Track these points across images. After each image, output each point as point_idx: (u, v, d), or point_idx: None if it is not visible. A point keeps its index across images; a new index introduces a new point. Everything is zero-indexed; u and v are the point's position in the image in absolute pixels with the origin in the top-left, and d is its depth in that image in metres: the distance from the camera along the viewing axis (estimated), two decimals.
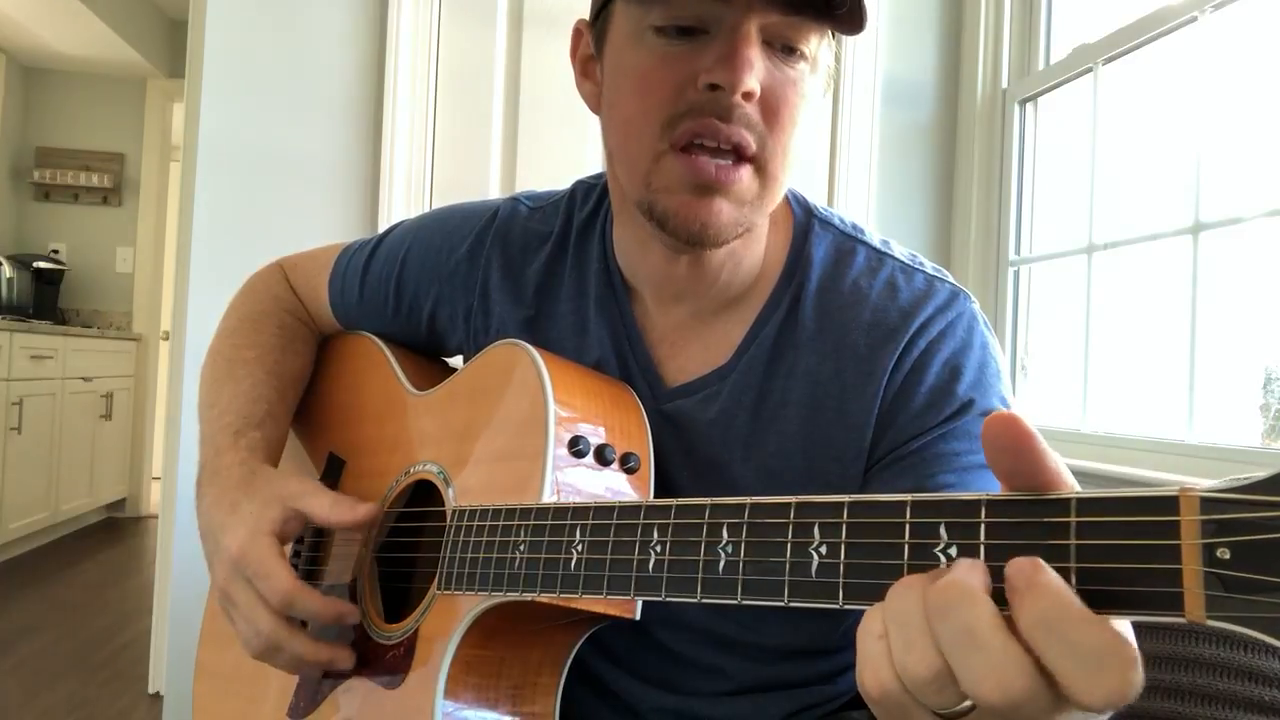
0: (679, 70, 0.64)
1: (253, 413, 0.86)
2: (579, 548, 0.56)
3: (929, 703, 0.38)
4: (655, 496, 0.71)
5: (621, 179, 0.72)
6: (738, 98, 0.63)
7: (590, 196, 0.86)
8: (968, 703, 0.38)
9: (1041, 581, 0.35)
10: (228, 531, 0.74)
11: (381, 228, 1.99)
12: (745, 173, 0.66)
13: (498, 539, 0.63)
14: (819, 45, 0.66)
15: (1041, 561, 0.36)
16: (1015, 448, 0.38)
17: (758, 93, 0.63)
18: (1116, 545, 0.35)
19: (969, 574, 0.37)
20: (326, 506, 0.75)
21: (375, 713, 0.72)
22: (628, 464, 0.69)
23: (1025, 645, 0.35)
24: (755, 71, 0.62)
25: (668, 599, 0.51)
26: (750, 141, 0.65)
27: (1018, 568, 0.36)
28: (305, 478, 0.79)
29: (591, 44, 0.74)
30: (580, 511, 0.57)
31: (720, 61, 0.62)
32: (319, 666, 0.74)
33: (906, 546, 0.41)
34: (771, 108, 0.65)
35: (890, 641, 0.39)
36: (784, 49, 0.65)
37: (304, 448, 0.97)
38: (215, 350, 0.93)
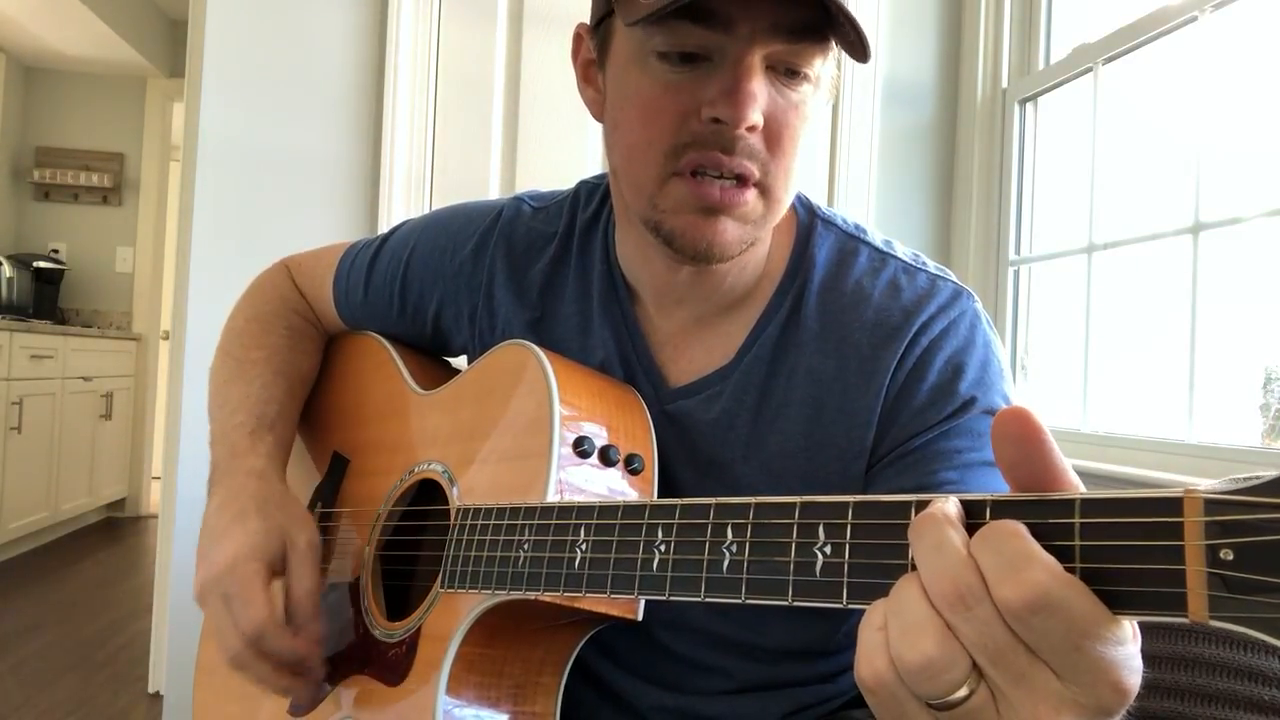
0: (682, 100, 0.64)
1: (265, 413, 0.86)
2: (583, 547, 0.57)
3: (921, 691, 0.39)
4: (659, 497, 0.71)
5: (626, 196, 0.72)
6: (741, 130, 0.63)
7: (593, 197, 0.86)
8: (961, 692, 0.38)
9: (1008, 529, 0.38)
10: (225, 539, 0.74)
11: (382, 228, 2.00)
12: (750, 194, 0.66)
13: (501, 538, 0.64)
14: (822, 65, 0.66)
15: (1019, 528, 0.38)
16: (1024, 441, 0.39)
17: (761, 125, 0.64)
18: (1120, 546, 0.36)
19: (947, 504, 0.40)
20: (302, 584, 0.74)
21: (377, 710, 0.72)
22: (632, 465, 0.70)
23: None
24: (758, 104, 0.63)
25: (672, 598, 0.51)
26: (754, 170, 0.65)
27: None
28: (314, 529, 0.79)
29: (593, 50, 0.74)
30: (585, 511, 0.58)
31: (723, 95, 0.62)
32: (280, 694, 0.74)
33: (911, 546, 0.41)
34: (774, 134, 0.65)
35: (889, 631, 0.39)
36: (787, 72, 0.65)
37: (309, 447, 0.97)
38: (224, 351, 0.94)
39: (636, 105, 0.67)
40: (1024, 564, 0.36)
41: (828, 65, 0.67)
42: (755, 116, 0.62)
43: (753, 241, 0.70)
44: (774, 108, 0.64)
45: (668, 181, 0.66)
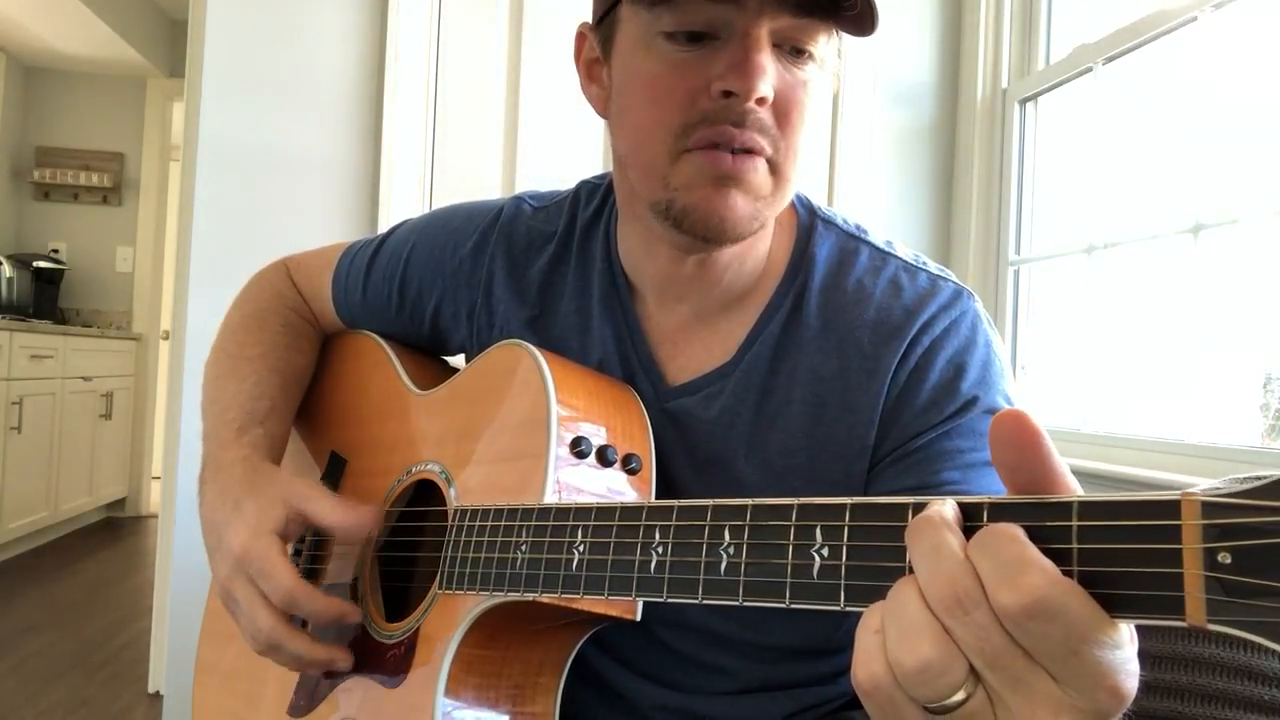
0: (691, 77, 0.64)
1: (256, 409, 0.86)
2: (580, 548, 0.57)
3: (917, 695, 0.39)
4: (658, 496, 0.71)
5: (635, 183, 0.72)
6: (751, 104, 0.63)
7: (594, 196, 0.86)
8: (958, 696, 0.38)
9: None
10: (230, 528, 0.74)
11: (382, 227, 2.00)
12: (760, 165, 0.66)
13: (499, 539, 0.63)
14: (827, 46, 0.66)
15: (1017, 532, 0.37)
16: (1021, 444, 0.39)
17: (771, 98, 0.64)
18: (1118, 549, 0.36)
19: (944, 507, 0.40)
20: (329, 510, 0.75)
21: (375, 711, 0.72)
22: (629, 465, 0.70)
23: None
24: (768, 77, 0.63)
25: (669, 600, 0.51)
26: (764, 145, 0.65)
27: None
28: (309, 479, 0.79)
29: (597, 47, 0.74)
30: (582, 512, 0.57)
31: (733, 68, 0.62)
32: (318, 666, 0.74)
33: (908, 549, 0.41)
34: (783, 110, 0.65)
35: (885, 634, 0.39)
36: (793, 51, 0.65)
37: (306, 446, 0.97)
38: (219, 348, 0.94)
39: (645, 87, 0.67)
40: (1021, 569, 0.36)
41: (831, 47, 0.67)
42: (765, 88, 0.63)
43: (762, 222, 0.69)
44: (782, 84, 0.65)
45: (679, 159, 0.66)
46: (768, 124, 0.65)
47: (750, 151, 0.65)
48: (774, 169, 0.67)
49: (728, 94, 0.63)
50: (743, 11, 0.62)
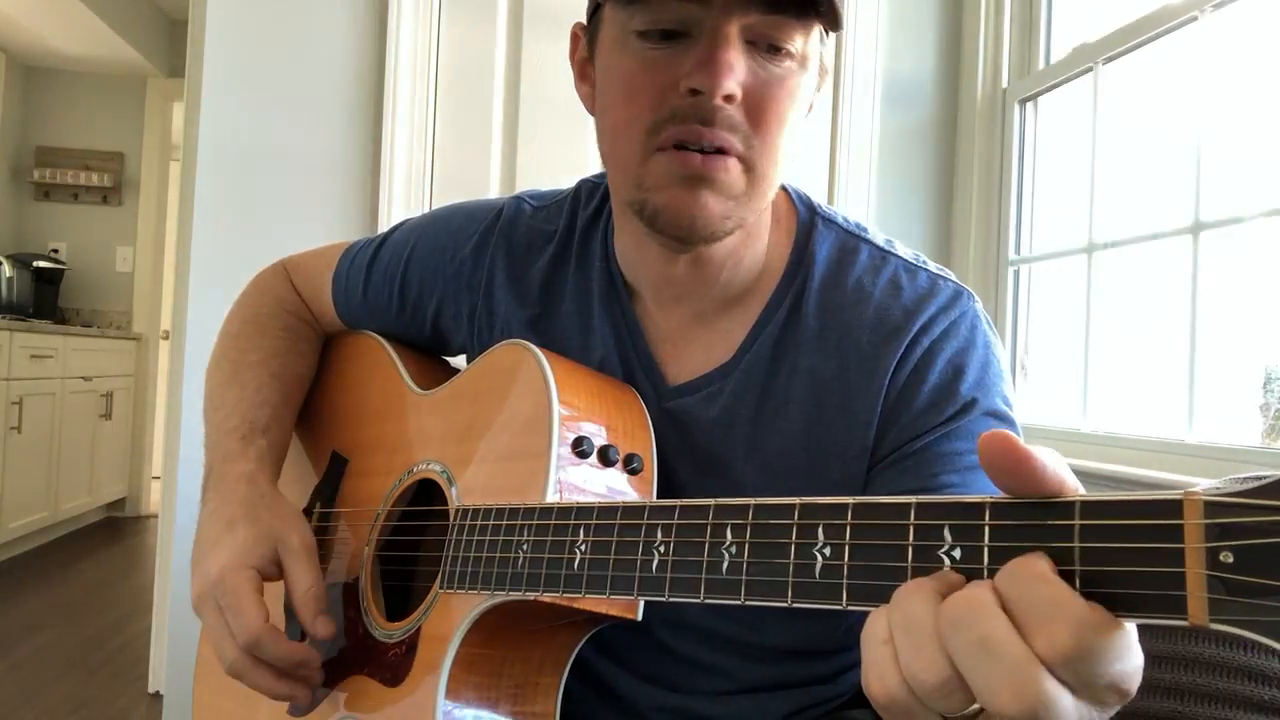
0: (661, 75, 0.64)
1: (258, 417, 0.86)
2: (582, 547, 0.57)
3: (938, 708, 0.38)
4: (658, 495, 0.71)
5: (614, 181, 0.72)
6: (719, 101, 0.63)
7: (594, 196, 0.86)
8: (976, 705, 0.38)
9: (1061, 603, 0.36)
10: (216, 548, 0.74)
11: (382, 227, 2.00)
12: (733, 164, 0.66)
13: (500, 538, 0.64)
14: (806, 43, 0.66)
15: (1046, 569, 0.36)
16: (1010, 469, 0.38)
17: (739, 95, 0.63)
18: (1120, 548, 0.36)
19: (979, 586, 0.38)
20: (300, 576, 0.74)
21: (376, 710, 0.72)
22: (631, 465, 0.70)
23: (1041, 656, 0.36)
24: (735, 74, 0.63)
25: (671, 599, 0.51)
26: (735, 143, 0.65)
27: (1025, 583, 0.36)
28: (306, 527, 0.78)
29: (586, 47, 0.74)
30: (584, 511, 0.58)
31: (700, 66, 0.62)
32: (280, 699, 0.74)
33: (910, 548, 0.41)
34: (757, 107, 0.65)
35: (897, 647, 0.39)
36: (769, 48, 0.65)
37: (307, 447, 0.97)
38: (219, 353, 0.93)
39: (619, 85, 0.67)
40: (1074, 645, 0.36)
41: (813, 45, 0.67)
42: (731, 86, 0.62)
43: (738, 223, 0.69)
44: (755, 81, 0.64)
45: (650, 157, 0.66)
46: (738, 121, 0.64)
47: (721, 150, 0.65)
48: (748, 167, 0.66)
49: (695, 91, 0.63)
50: (711, 9, 0.62)
